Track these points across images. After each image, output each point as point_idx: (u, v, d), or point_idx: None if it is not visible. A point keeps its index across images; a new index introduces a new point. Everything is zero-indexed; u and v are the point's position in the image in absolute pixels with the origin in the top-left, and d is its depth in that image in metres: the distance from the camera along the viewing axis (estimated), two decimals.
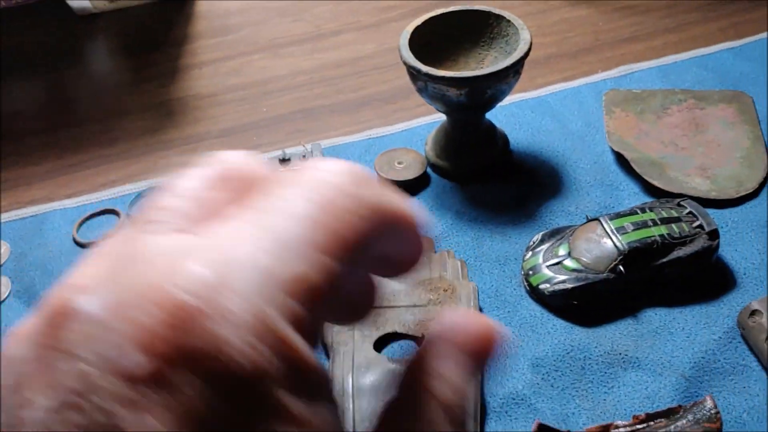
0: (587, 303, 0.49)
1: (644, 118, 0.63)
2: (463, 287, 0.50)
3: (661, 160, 0.59)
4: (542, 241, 0.52)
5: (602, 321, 0.49)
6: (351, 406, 0.45)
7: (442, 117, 0.63)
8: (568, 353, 0.47)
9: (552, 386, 0.46)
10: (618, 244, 0.49)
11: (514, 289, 0.52)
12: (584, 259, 0.50)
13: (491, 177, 0.60)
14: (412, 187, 0.59)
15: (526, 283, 0.51)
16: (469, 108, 0.54)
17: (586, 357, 0.47)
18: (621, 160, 0.59)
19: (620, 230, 0.50)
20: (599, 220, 0.51)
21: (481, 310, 0.50)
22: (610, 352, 0.47)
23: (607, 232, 0.50)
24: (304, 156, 0.60)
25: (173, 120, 0.70)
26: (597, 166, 0.60)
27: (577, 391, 0.45)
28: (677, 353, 0.47)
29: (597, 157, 0.60)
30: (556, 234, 0.53)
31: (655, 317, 0.49)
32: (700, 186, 0.56)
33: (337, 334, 0.49)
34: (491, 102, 0.55)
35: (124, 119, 0.71)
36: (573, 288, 0.49)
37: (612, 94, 0.65)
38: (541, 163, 0.60)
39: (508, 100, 0.65)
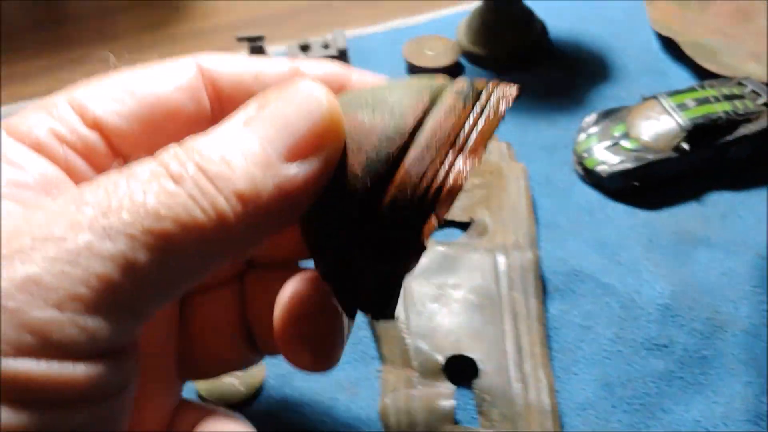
0: (648, 184, 0.46)
1: (687, 6, 0.59)
2: (512, 169, 0.47)
3: (711, 46, 0.55)
4: (596, 122, 0.49)
5: (665, 203, 0.46)
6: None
7: (469, 7, 0.59)
8: (632, 232, 0.44)
9: (619, 263, 0.43)
10: (680, 121, 0.46)
11: (566, 176, 0.48)
12: (644, 139, 0.46)
13: (530, 64, 0.56)
14: (446, 75, 0.55)
15: (580, 167, 0.48)
16: None
17: (652, 235, 0.44)
18: (668, 46, 0.56)
19: (681, 107, 0.46)
20: (657, 98, 0.48)
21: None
22: (676, 232, 0.44)
23: (666, 110, 0.47)
24: (326, 45, 0.55)
25: (181, 13, 0.65)
26: (643, 53, 0.56)
27: (647, 264, 0.42)
28: (750, 233, 0.43)
29: (642, 44, 0.57)
30: (610, 114, 0.49)
31: (721, 200, 0.46)
32: (755, 71, 0.53)
33: None
34: None
35: (128, 13, 0.66)
36: (634, 168, 0.45)
37: None
38: (583, 50, 0.57)
39: None
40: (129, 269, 0.18)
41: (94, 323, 0.17)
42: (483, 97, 0.23)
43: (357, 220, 0.22)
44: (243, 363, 0.30)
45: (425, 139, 0.21)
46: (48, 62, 0.63)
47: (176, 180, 0.19)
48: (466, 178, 0.21)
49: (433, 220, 0.21)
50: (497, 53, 0.55)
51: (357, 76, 0.27)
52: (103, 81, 0.24)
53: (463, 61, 0.56)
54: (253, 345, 0.30)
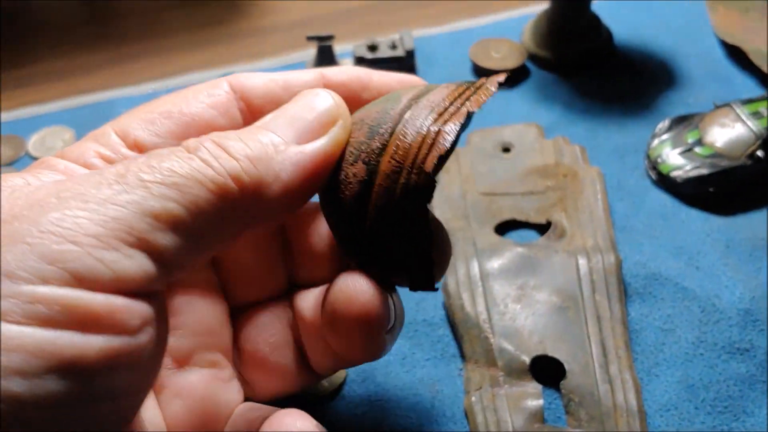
0: (723, 190, 0.46)
1: (750, 16, 0.59)
2: (586, 172, 0.47)
3: None
4: (669, 128, 0.49)
5: (739, 209, 0.46)
6: (481, 289, 0.41)
7: (533, 10, 0.60)
8: (708, 237, 0.44)
9: (697, 268, 0.43)
10: (754, 129, 0.46)
11: (639, 180, 0.48)
12: (718, 145, 0.46)
13: (597, 69, 0.56)
14: (511, 78, 0.55)
15: (654, 172, 0.48)
16: None
17: (729, 240, 0.44)
18: (733, 54, 0.56)
19: (755, 115, 0.47)
20: (731, 106, 0.48)
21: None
22: (751, 238, 0.44)
23: (740, 118, 0.47)
24: (393, 45, 0.56)
25: (239, 11, 0.66)
26: (707, 60, 0.56)
27: (725, 269, 0.43)
28: None
29: (706, 52, 0.57)
30: (683, 120, 0.49)
31: None
32: None
33: (451, 220, 0.45)
34: None
35: (183, 10, 0.66)
36: (709, 174, 0.46)
37: None
38: (648, 56, 0.57)
39: None
40: (145, 215, 0.21)
41: (111, 257, 0.20)
42: (476, 84, 0.27)
43: (366, 181, 0.26)
44: (297, 383, 0.32)
45: (417, 108, 0.26)
46: (107, 56, 0.63)
47: (192, 150, 0.23)
48: (451, 131, 0.25)
49: (435, 153, 0.25)
50: (564, 57, 0.55)
51: (377, 77, 0.30)
52: (143, 108, 0.28)
53: (529, 65, 0.57)
54: (307, 365, 0.31)
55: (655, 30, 0.59)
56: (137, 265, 0.20)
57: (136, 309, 0.20)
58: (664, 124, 0.49)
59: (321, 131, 0.25)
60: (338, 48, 0.57)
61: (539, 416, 0.36)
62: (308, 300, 0.31)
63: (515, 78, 0.56)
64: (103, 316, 0.19)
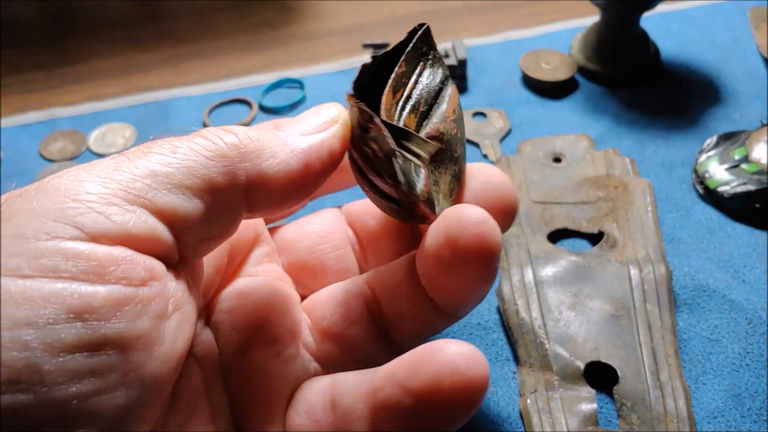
0: None
1: None
2: (637, 184, 0.48)
3: None
4: (716, 144, 0.50)
5: None
6: (535, 296, 0.43)
7: (582, 23, 0.61)
8: (754, 252, 0.46)
9: (743, 281, 0.44)
10: None
11: (686, 193, 0.50)
12: (763, 163, 0.48)
13: (645, 83, 0.57)
14: (561, 89, 0.57)
15: (701, 186, 0.49)
16: (633, 1, 0.52)
17: None
18: None
19: None
20: None
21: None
22: None
23: None
24: (446, 54, 0.57)
25: (293, 15, 0.67)
26: (753, 78, 0.58)
27: None
28: None
29: (751, 70, 0.58)
30: (730, 137, 0.51)
31: None
32: None
33: None
34: None
35: (239, 11, 0.68)
36: (756, 190, 0.47)
37: (756, 11, 0.63)
38: (694, 73, 0.58)
39: (652, 11, 0.62)
40: (144, 177, 0.23)
41: (112, 210, 0.22)
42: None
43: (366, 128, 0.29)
44: (374, 360, 0.32)
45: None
46: (164, 55, 0.65)
47: (198, 133, 0.26)
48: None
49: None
50: (612, 71, 0.57)
51: None
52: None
53: (577, 77, 0.58)
54: (385, 340, 0.32)
55: (701, 47, 0.60)
56: (140, 220, 0.22)
57: (142, 261, 0.22)
58: (712, 140, 0.51)
59: (323, 129, 0.28)
60: None
61: (593, 419, 0.38)
62: (380, 274, 0.33)
63: (565, 89, 0.57)
64: (105, 266, 0.21)
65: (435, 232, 0.28)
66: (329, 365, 0.32)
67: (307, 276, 0.35)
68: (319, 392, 0.29)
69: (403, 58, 0.31)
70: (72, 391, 0.19)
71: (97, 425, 0.20)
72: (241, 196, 0.26)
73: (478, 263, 0.27)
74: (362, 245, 0.36)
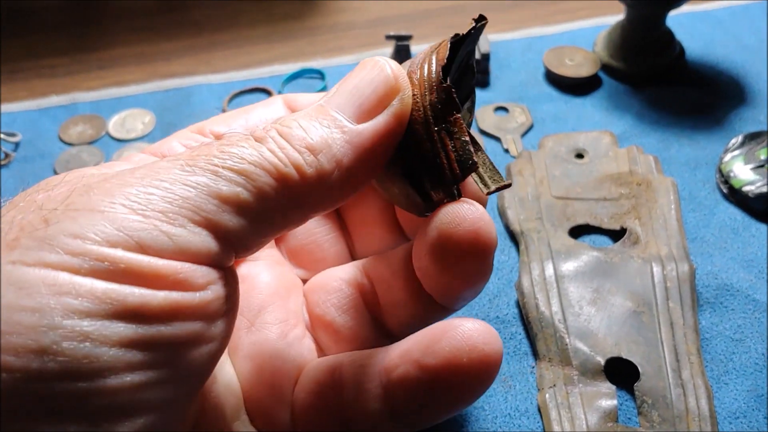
0: None
1: None
2: (660, 182, 0.48)
3: None
4: (742, 144, 0.50)
5: None
6: (556, 290, 0.42)
7: (606, 21, 0.61)
8: None
9: (767, 281, 0.44)
10: None
11: (710, 193, 0.49)
12: None
13: (669, 82, 0.57)
14: (584, 86, 0.57)
15: (725, 186, 0.49)
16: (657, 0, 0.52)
17: None
18: None
19: None
20: None
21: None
22: None
23: None
24: None
25: (317, 7, 0.67)
26: None
27: None
28: None
29: None
30: (756, 137, 0.50)
31: None
32: None
33: (525, 221, 0.46)
34: None
35: (263, 2, 0.68)
36: None
37: None
38: (719, 73, 0.58)
39: (678, 10, 0.62)
40: (213, 197, 0.22)
41: (175, 231, 0.22)
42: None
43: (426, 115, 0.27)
44: (367, 347, 0.32)
45: (410, 63, 0.29)
46: (186, 43, 0.65)
47: (259, 139, 0.24)
48: (443, 48, 0.27)
49: (436, 64, 0.27)
50: (636, 69, 0.56)
51: None
52: (219, 118, 0.31)
53: (601, 74, 0.58)
54: (379, 327, 0.33)
55: (727, 47, 0.60)
56: (201, 241, 0.22)
57: (200, 271, 0.22)
58: (737, 139, 0.50)
59: (380, 107, 0.26)
60: (415, 48, 0.58)
61: (613, 415, 0.38)
62: (377, 262, 0.33)
63: (589, 86, 0.57)
64: (165, 275, 0.21)
65: (431, 227, 0.27)
66: (325, 349, 0.33)
67: (305, 259, 0.35)
68: (327, 372, 0.30)
69: (466, 46, 0.30)
70: (126, 381, 0.20)
71: (146, 415, 0.21)
72: (303, 212, 0.26)
73: (473, 260, 0.27)
74: (348, 228, 0.36)
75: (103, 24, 0.67)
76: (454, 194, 0.27)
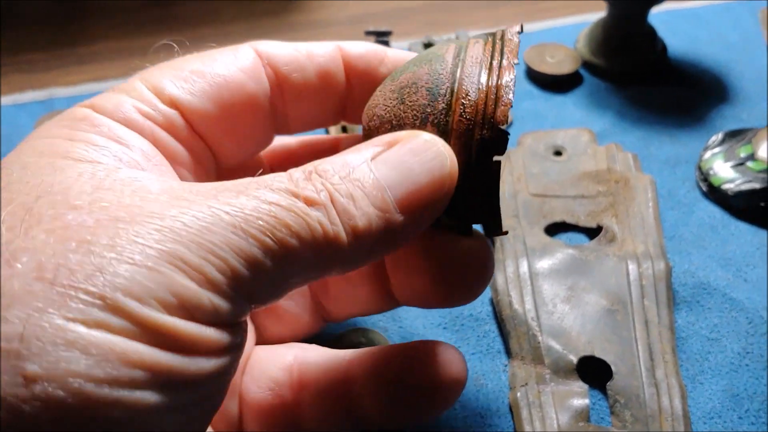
0: None
1: None
2: (638, 179, 0.47)
3: None
4: (722, 142, 0.49)
5: None
6: (530, 288, 0.42)
7: (589, 18, 0.60)
8: (757, 251, 0.45)
9: (745, 280, 0.43)
10: None
11: (689, 191, 0.49)
12: None
13: (651, 80, 0.56)
14: (565, 83, 0.56)
15: (704, 184, 0.48)
16: None
17: None
18: None
19: None
20: None
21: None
22: None
23: None
24: None
25: (296, 4, 0.67)
26: (762, 78, 0.57)
27: None
28: None
29: (760, 70, 0.57)
30: (736, 135, 0.50)
31: None
32: None
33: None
34: None
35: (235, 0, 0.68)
36: (761, 189, 0.46)
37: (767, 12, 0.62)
38: (701, 71, 0.57)
39: (661, 8, 0.61)
40: (252, 266, 0.20)
41: (218, 301, 0.20)
42: (497, 36, 0.28)
43: (444, 133, 0.26)
44: (306, 329, 0.32)
45: (467, 66, 0.26)
46: (167, 39, 0.64)
47: (310, 203, 0.22)
48: (508, 84, 0.25)
49: (503, 107, 0.25)
50: (618, 66, 0.56)
51: (392, 52, 0.31)
52: (169, 64, 0.27)
53: (582, 71, 0.57)
54: (389, 291, 0.32)
55: (709, 44, 0.59)
56: (239, 310, 0.21)
57: (224, 338, 0.21)
58: (717, 137, 0.50)
59: (428, 204, 0.24)
60: (394, 45, 0.58)
61: (584, 415, 0.37)
62: None
63: (569, 83, 0.56)
64: (194, 342, 0.19)
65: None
66: (262, 330, 0.32)
67: None
68: (285, 371, 0.29)
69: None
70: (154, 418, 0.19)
71: None
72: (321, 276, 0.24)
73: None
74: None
75: (83, 20, 0.66)
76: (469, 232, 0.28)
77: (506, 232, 0.28)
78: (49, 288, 0.17)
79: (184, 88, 0.26)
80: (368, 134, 0.28)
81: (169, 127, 0.26)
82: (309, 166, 0.23)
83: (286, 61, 0.29)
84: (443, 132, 0.26)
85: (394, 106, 0.27)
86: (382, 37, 0.56)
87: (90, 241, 0.18)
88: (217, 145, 0.28)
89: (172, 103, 0.26)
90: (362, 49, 0.31)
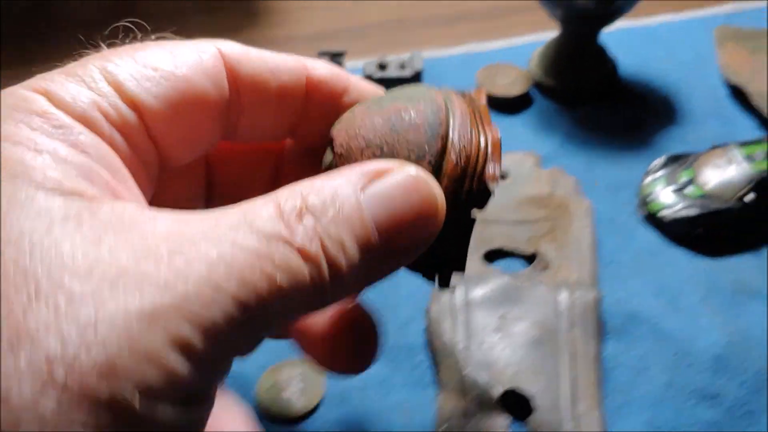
0: (711, 232, 0.46)
1: (757, 57, 0.59)
2: (577, 205, 0.48)
3: None
4: (664, 166, 0.49)
5: (726, 252, 0.46)
6: (463, 317, 0.42)
7: (544, 37, 0.60)
8: (691, 278, 0.45)
9: (677, 309, 0.43)
10: (747, 172, 0.46)
11: (629, 216, 0.49)
12: (709, 187, 0.47)
13: (600, 101, 0.57)
14: (515, 105, 0.56)
15: (643, 209, 0.48)
16: (591, 18, 0.51)
17: (711, 283, 0.45)
18: (736, 94, 0.56)
19: (749, 158, 0.47)
20: (727, 147, 0.48)
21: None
22: (735, 281, 0.45)
23: (735, 160, 0.47)
24: (402, 65, 0.57)
25: (258, 20, 0.67)
26: (711, 98, 0.57)
27: (705, 311, 0.43)
28: None
29: (711, 90, 0.57)
30: (679, 159, 0.50)
31: None
32: None
33: None
34: (616, 13, 0.52)
35: (203, 15, 0.68)
36: (697, 216, 0.46)
37: (723, 29, 0.62)
38: (652, 90, 0.57)
39: (615, 26, 0.61)
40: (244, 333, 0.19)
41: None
42: (466, 95, 0.28)
43: None
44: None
45: (457, 116, 0.26)
46: None
47: (305, 257, 0.21)
48: (498, 137, 0.26)
49: (491, 169, 0.25)
50: (568, 86, 0.56)
51: (354, 84, 0.29)
52: (129, 52, 0.25)
53: (533, 92, 0.57)
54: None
55: (663, 64, 0.59)
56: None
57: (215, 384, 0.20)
58: (660, 161, 0.50)
59: (413, 247, 0.23)
60: (349, 64, 0.58)
61: None
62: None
63: (519, 105, 0.56)
64: (199, 392, 0.19)
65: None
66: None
67: None
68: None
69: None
70: None
71: None
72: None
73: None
74: None
75: (45, 37, 0.67)
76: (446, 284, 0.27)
77: (454, 287, 0.29)
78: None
79: (146, 89, 0.24)
80: (346, 154, 0.28)
81: (124, 129, 0.24)
82: (297, 197, 0.22)
83: (250, 71, 0.27)
84: (436, 173, 0.26)
85: (385, 133, 0.27)
86: (336, 58, 0.56)
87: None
88: (168, 148, 0.26)
89: (133, 105, 0.24)
90: (327, 72, 0.30)
